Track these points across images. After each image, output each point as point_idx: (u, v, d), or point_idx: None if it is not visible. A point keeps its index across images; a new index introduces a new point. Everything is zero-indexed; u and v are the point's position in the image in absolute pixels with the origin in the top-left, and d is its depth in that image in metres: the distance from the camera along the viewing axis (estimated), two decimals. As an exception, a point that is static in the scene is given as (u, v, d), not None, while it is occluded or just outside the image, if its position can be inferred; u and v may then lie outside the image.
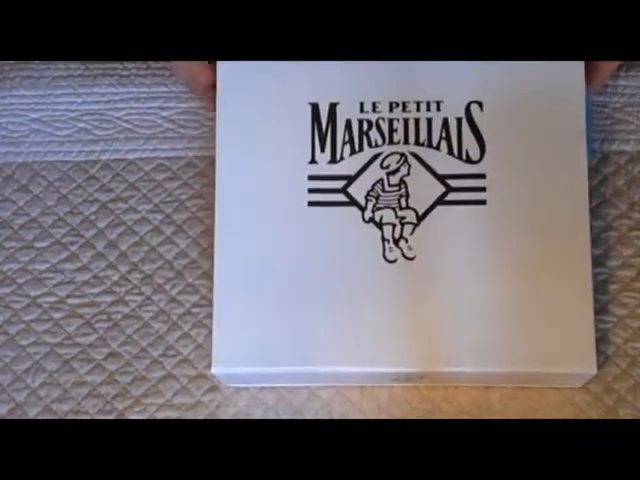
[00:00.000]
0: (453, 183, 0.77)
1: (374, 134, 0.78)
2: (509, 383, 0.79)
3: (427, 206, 0.77)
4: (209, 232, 0.83)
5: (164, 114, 0.88)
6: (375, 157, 0.78)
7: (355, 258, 0.77)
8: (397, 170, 0.78)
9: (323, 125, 0.79)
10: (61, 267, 0.85)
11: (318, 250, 0.77)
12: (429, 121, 0.78)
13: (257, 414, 0.81)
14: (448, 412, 0.80)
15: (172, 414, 0.81)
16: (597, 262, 0.81)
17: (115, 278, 0.84)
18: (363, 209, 0.77)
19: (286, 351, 0.76)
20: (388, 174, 0.78)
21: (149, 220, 0.85)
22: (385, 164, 0.78)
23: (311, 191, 0.78)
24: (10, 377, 0.83)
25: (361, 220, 0.77)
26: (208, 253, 0.83)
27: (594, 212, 0.82)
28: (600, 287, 0.81)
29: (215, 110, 0.82)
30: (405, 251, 0.77)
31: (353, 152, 0.78)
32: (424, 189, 0.77)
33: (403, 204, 0.77)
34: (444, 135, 0.78)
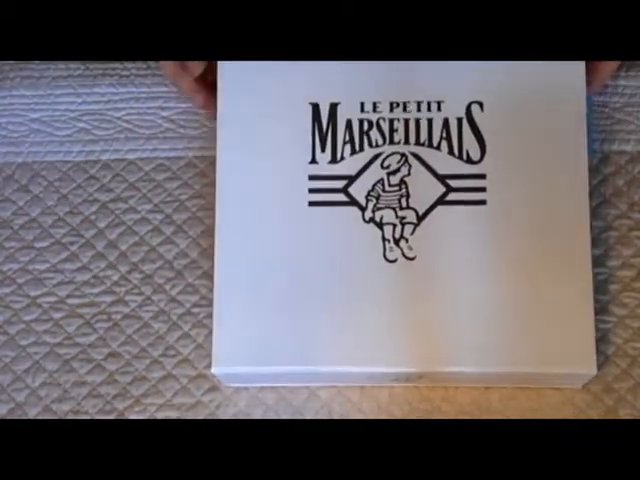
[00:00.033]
0: (453, 183, 0.77)
1: (375, 134, 0.78)
2: (509, 383, 0.79)
3: (427, 206, 0.77)
4: (209, 232, 0.83)
5: (164, 114, 0.88)
6: (376, 157, 0.78)
7: (355, 258, 0.77)
8: (397, 170, 0.78)
9: (324, 125, 0.79)
10: (61, 267, 0.85)
11: (318, 250, 0.77)
12: (430, 121, 0.78)
13: (257, 414, 0.81)
14: (448, 412, 0.80)
15: (172, 414, 0.81)
16: (597, 262, 0.81)
17: (115, 278, 0.84)
18: (363, 209, 0.77)
19: (286, 351, 0.76)
20: (388, 174, 0.78)
21: (149, 220, 0.85)
22: (386, 164, 0.78)
23: (311, 191, 0.78)
24: (10, 377, 0.83)
25: (361, 220, 0.77)
26: (208, 253, 0.83)
27: (594, 212, 0.82)
28: (600, 287, 0.81)
29: (206, 107, 0.82)
30: (405, 251, 0.77)
31: (354, 152, 0.78)
32: (424, 189, 0.77)
33: (403, 204, 0.77)
34: (444, 135, 0.78)
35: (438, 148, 0.78)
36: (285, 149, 0.78)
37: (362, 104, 0.79)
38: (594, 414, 0.79)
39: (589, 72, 0.79)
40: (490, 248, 0.76)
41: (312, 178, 0.78)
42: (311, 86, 0.79)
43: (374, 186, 0.78)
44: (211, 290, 0.78)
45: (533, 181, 0.77)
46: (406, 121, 0.79)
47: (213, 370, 0.76)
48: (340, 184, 0.78)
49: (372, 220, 0.77)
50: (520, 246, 0.76)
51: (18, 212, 0.86)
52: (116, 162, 0.87)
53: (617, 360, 0.80)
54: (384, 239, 0.77)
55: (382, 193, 0.78)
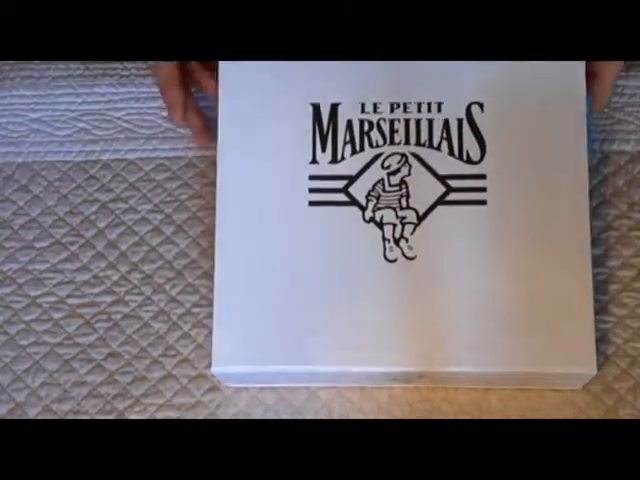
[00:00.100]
0: (453, 183, 0.77)
1: (375, 134, 0.78)
2: (509, 385, 0.79)
3: (427, 206, 0.77)
4: (209, 232, 0.83)
5: (164, 114, 0.88)
6: (376, 157, 0.78)
7: (355, 258, 0.77)
8: (398, 170, 0.78)
9: (324, 125, 0.79)
10: (61, 267, 0.85)
11: (318, 250, 0.77)
12: (430, 122, 0.78)
13: (257, 414, 0.81)
14: (448, 412, 0.80)
15: (172, 414, 0.81)
16: (597, 262, 0.81)
17: (115, 278, 0.84)
18: (364, 209, 0.77)
19: (286, 351, 0.76)
20: (389, 174, 0.78)
21: (149, 220, 0.85)
22: (386, 164, 0.78)
23: (312, 191, 0.78)
24: (10, 377, 0.83)
25: (362, 220, 0.77)
26: (208, 253, 0.83)
27: (594, 212, 0.82)
28: (600, 287, 0.81)
29: (176, 116, 0.83)
30: (405, 251, 0.77)
31: (354, 152, 0.78)
32: (425, 189, 0.77)
33: (404, 204, 0.77)
34: (445, 136, 0.78)
35: (438, 148, 0.78)
36: (285, 149, 0.78)
37: (363, 105, 0.79)
38: (594, 414, 0.79)
39: (590, 88, 0.79)
40: (490, 248, 0.76)
41: (312, 178, 0.78)
42: (312, 87, 0.79)
43: (374, 186, 0.78)
44: (211, 290, 0.78)
45: (533, 181, 0.77)
46: (406, 122, 0.79)
47: (213, 370, 0.76)
48: (340, 184, 0.78)
49: (372, 220, 0.77)
50: (520, 246, 0.76)
51: (18, 212, 0.86)
52: (116, 162, 0.87)
53: (617, 360, 0.80)
54: (384, 239, 0.77)
55: (382, 193, 0.78)
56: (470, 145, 0.78)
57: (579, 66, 0.78)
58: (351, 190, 0.78)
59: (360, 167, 0.78)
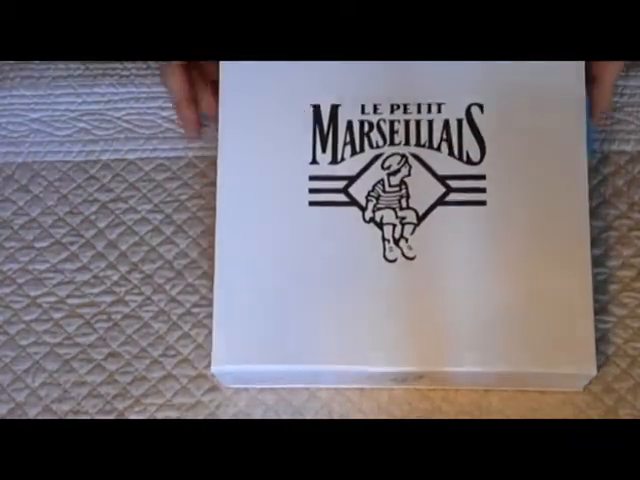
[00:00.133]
0: (453, 184, 0.77)
1: (375, 135, 0.79)
2: (509, 386, 0.79)
3: (427, 206, 0.77)
4: (209, 232, 0.83)
5: (164, 114, 0.88)
6: (376, 158, 0.78)
7: (355, 258, 0.77)
8: (398, 171, 0.78)
9: (324, 126, 0.79)
10: (61, 267, 0.85)
11: (318, 250, 0.77)
12: (430, 123, 0.78)
13: (257, 414, 0.81)
14: (448, 412, 0.80)
15: (172, 414, 0.81)
16: (597, 262, 0.81)
17: (115, 278, 0.84)
18: (364, 209, 0.77)
19: (285, 350, 0.76)
20: (389, 175, 0.78)
21: (149, 220, 0.85)
22: (386, 165, 0.78)
23: (312, 191, 0.78)
24: (10, 377, 0.83)
25: (361, 220, 0.77)
26: (208, 253, 0.83)
27: (594, 212, 0.82)
28: (600, 287, 0.81)
29: (189, 131, 0.83)
30: (405, 251, 0.77)
31: (354, 153, 0.78)
32: (424, 190, 0.77)
33: (403, 204, 0.77)
34: (445, 137, 0.78)
35: (438, 149, 0.78)
36: (286, 150, 0.79)
37: (363, 106, 0.79)
38: (594, 414, 0.79)
39: (590, 93, 0.79)
40: (490, 248, 0.76)
41: (312, 178, 0.78)
42: (312, 88, 0.79)
43: (374, 186, 0.78)
44: (211, 290, 0.78)
45: (533, 182, 0.77)
46: (406, 122, 0.79)
47: (212, 369, 0.76)
48: (340, 184, 0.78)
49: (372, 220, 0.77)
50: (520, 246, 0.76)
51: (18, 212, 0.86)
52: (116, 162, 0.87)
53: (617, 360, 0.80)
54: (384, 239, 0.77)
55: (382, 193, 0.78)
56: (470, 146, 0.78)
57: (579, 66, 0.78)
58: (351, 190, 0.78)
59: (360, 167, 0.78)
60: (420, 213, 0.77)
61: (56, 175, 0.87)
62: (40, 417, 0.81)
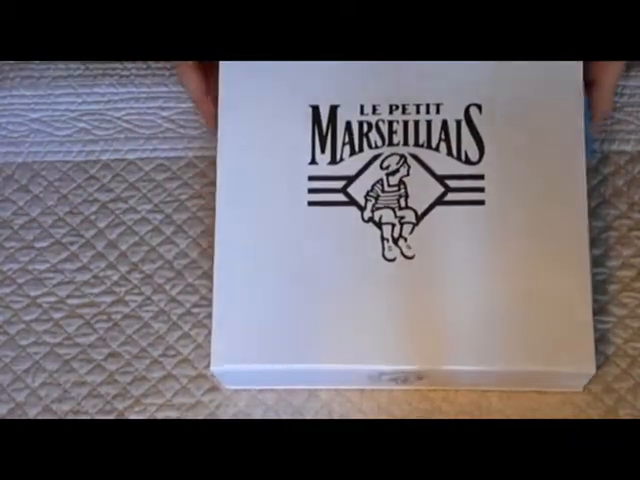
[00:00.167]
0: (452, 183, 0.77)
1: (374, 136, 0.79)
2: (508, 386, 0.79)
3: (426, 206, 0.77)
4: (209, 232, 0.83)
5: (164, 114, 0.88)
6: (375, 158, 0.78)
7: (354, 257, 0.77)
8: (397, 171, 0.78)
9: (323, 127, 0.79)
10: (61, 267, 0.85)
11: (318, 249, 0.77)
12: (428, 123, 0.78)
13: (257, 414, 0.81)
14: (448, 412, 0.80)
15: (172, 414, 0.81)
16: (597, 262, 0.81)
17: (115, 278, 0.84)
18: (362, 209, 0.78)
19: (285, 349, 0.76)
20: (388, 175, 0.78)
21: (149, 220, 0.85)
22: (385, 165, 0.78)
23: (311, 191, 0.78)
24: (10, 377, 0.83)
25: (360, 220, 0.77)
26: (208, 253, 0.83)
27: (594, 212, 0.82)
28: (600, 287, 0.81)
29: (211, 124, 0.82)
30: (404, 250, 0.77)
31: (353, 153, 0.79)
32: (423, 189, 0.77)
33: (402, 204, 0.77)
34: (443, 137, 0.78)
35: (437, 149, 0.78)
36: (285, 150, 0.79)
37: (362, 106, 0.79)
38: (594, 414, 0.79)
39: (590, 97, 0.79)
40: (488, 247, 0.76)
41: (312, 178, 0.78)
42: (311, 88, 0.79)
43: (373, 186, 0.78)
44: (211, 290, 0.78)
45: (531, 181, 0.77)
46: (405, 123, 0.79)
47: (212, 368, 0.76)
48: (339, 184, 0.78)
49: (371, 220, 0.77)
50: (518, 245, 0.76)
51: (18, 212, 0.86)
52: (116, 162, 0.87)
53: (617, 360, 0.80)
54: (383, 238, 0.77)
55: (381, 193, 0.78)
56: (468, 146, 0.78)
57: (577, 66, 0.78)
58: (350, 190, 0.78)
59: (359, 168, 0.78)
60: (419, 213, 0.77)
61: (56, 175, 0.87)
62: (40, 417, 0.81)
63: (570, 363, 0.75)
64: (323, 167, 0.78)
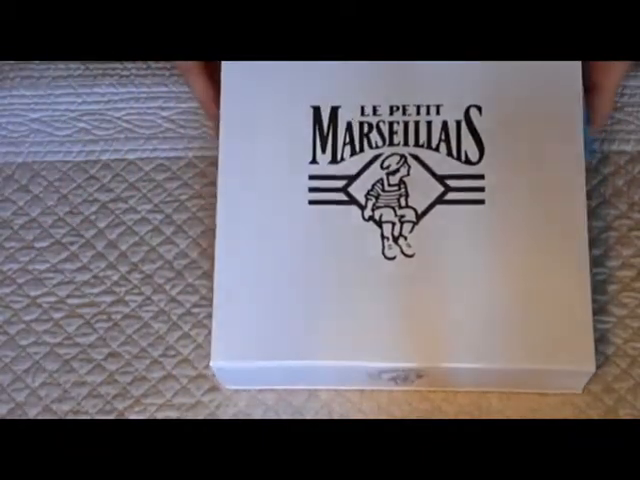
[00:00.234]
0: (452, 183, 0.77)
1: (374, 136, 0.79)
2: (508, 386, 0.79)
3: (426, 205, 0.77)
4: (209, 232, 0.83)
5: (164, 114, 0.88)
6: (375, 158, 0.78)
7: (355, 255, 0.77)
8: (397, 170, 0.78)
9: (324, 127, 0.79)
10: (61, 267, 0.85)
11: (318, 247, 0.77)
12: (429, 124, 0.79)
13: (257, 414, 0.81)
14: (448, 412, 0.80)
15: (172, 414, 0.81)
16: (597, 262, 0.81)
17: (115, 278, 0.84)
18: (363, 208, 0.78)
19: (286, 346, 0.76)
20: (388, 174, 0.78)
21: (149, 220, 0.85)
22: (385, 165, 0.78)
23: (312, 190, 0.78)
24: (10, 377, 0.83)
25: (361, 218, 0.78)
26: (208, 253, 0.83)
27: (594, 212, 0.82)
28: (600, 287, 0.81)
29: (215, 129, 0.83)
30: (404, 248, 0.77)
31: (354, 153, 0.79)
32: (423, 189, 0.78)
33: (402, 203, 0.78)
34: (443, 137, 0.78)
35: (437, 150, 0.78)
36: (286, 150, 0.79)
37: (362, 107, 0.79)
38: (594, 414, 0.79)
39: (590, 102, 0.79)
40: (488, 246, 0.76)
41: (312, 178, 0.78)
42: (312, 89, 0.80)
43: (374, 186, 0.78)
44: (211, 290, 0.78)
45: (531, 181, 0.77)
46: (405, 124, 0.79)
47: (212, 365, 0.76)
48: (340, 184, 0.78)
49: (371, 218, 0.78)
50: (518, 244, 0.76)
51: (18, 212, 0.86)
52: (116, 162, 0.87)
53: (617, 360, 0.80)
54: (383, 237, 0.77)
55: (381, 192, 0.78)
56: (468, 146, 0.78)
57: (576, 66, 0.78)
58: (350, 190, 0.78)
59: (360, 167, 0.78)
60: (419, 212, 0.77)
61: (56, 175, 0.87)
62: (40, 417, 0.81)
63: (570, 361, 0.75)
64: (324, 167, 0.78)
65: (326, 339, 0.75)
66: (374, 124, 0.79)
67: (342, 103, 0.79)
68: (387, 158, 0.78)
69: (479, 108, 0.79)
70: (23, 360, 0.83)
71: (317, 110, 0.79)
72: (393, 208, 0.78)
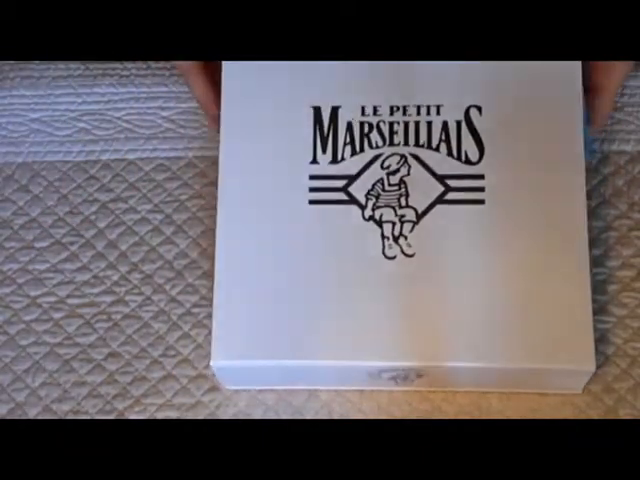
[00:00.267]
0: (452, 183, 0.77)
1: (375, 136, 0.79)
2: (508, 386, 0.79)
3: (426, 205, 0.77)
4: (209, 232, 0.83)
5: (164, 114, 0.88)
6: (375, 158, 0.78)
7: (355, 254, 0.77)
8: (397, 170, 0.78)
9: (325, 127, 0.79)
10: (61, 267, 0.85)
11: (318, 247, 0.77)
12: (429, 124, 0.79)
13: (257, 414, 0.81)
14: (448, 412, 0.80)
15: (172, 414, 0.81)
16: (597, 262, 0.81)
17: (115, 278, 0.84)
18: (363, 207, 0.78)
19: (286, 345, 0.76)
20: (388, 174, 0.78)
21: (149, 220, 0.85)
22: (385, 165, 0.78)
23: (312, 190, 0.78)
24: (10, 377, 0.83)
25: (361, 218, 0.78)
26: (208, 253, 0.83)
27: (594, 212, 0.82)
28: (600, 287, 0.81)
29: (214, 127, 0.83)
30: (404, 248, 0.77)
31: (354, 153, 0.79)
32: (423, 189, 0.78)
33: (403, 203, 0.78)
34: (444, 137, 0.78)
35: (437, 150, 0.78)
36: (286, 150, 0.79)
37: (363, 108, 0.79)
38: (594, 414, 0.79)
39: (591, 103, 0.79)
40: (488, 246, 0.76)
41: (313, 178, 0.78)
42: (313, 89, 0.80)
43: (374, 185, 0.78)
44: (211, 290, 0.78)
45: (531, 181, 0.77)
46: (406, 124, 0.79)
47: (212, 364, 0.76)
48: (340, 183, 0.78)
49: (372, 218, 0.78)
50: (518, 244, 0.76)
51: (18, 212, 0.86)
52: (116, 162, 0.87)
53: (617, 360, 0.80)
54: (383, 236, 0.77)
55: (382, 192, 0.78)
56: (468, 146, 0.78)
57: (576, 66, 0.78)
58: (351, 189, 0.78)
59: (360, 167, 0.78)
60: (419, 211, 0.77)
61: (56, 175, 0.87)
62: (40, 417, 0.81)
63: (570, 361, 0.75)
64: (324, 166, 0.78)
65: (326, 339, 0.76)
66: (374, 124, 0.79)
67: (342, 103, 0.79)
68: (387, 158, 0.78)
69: (479, 108, 0.79)
70: (23, 360, 0.83)
71: (317, 110, 0.79)
72: (393, 208, 0.78)
